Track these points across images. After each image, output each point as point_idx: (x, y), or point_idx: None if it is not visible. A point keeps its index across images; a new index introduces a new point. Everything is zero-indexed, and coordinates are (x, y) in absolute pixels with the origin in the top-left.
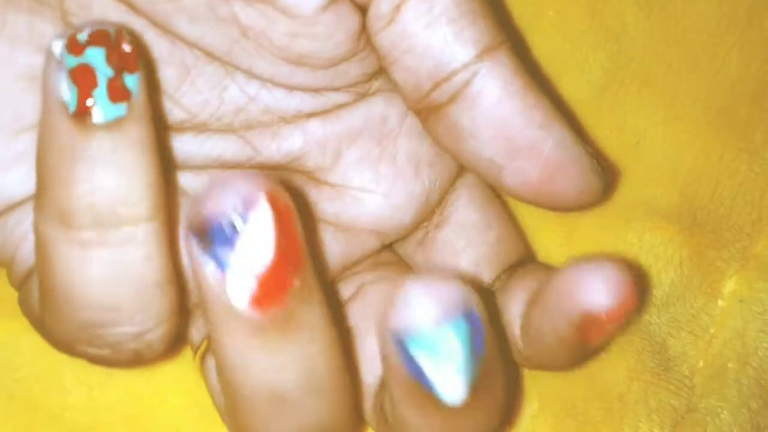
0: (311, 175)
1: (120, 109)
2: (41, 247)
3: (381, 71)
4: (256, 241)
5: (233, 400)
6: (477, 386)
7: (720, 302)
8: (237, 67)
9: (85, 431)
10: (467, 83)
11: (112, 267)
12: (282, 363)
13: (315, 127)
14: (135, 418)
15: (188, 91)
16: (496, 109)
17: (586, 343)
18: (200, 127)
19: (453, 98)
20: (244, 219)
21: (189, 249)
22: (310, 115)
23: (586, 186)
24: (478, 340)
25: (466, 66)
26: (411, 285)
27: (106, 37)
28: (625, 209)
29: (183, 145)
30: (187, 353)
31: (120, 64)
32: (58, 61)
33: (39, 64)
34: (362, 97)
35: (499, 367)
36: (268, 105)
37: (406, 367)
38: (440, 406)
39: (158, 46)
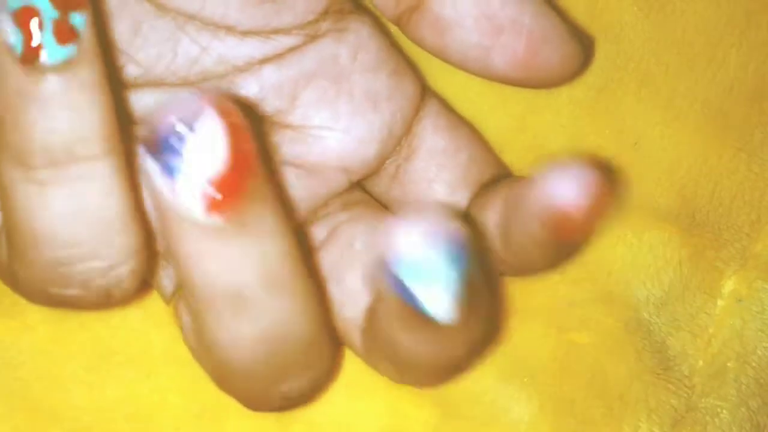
0: (271, 120)
1: (68, 50)
2: (3, 189)
3: (328, 12)
4: (205, 146)
5: (197, 311)
6: (465, 303)
7: (719, 302)
8: (188, 17)
9: (85, 430)
10: None
11: (71, 203)
12: (239, 263)
13: (269, 72)
14: (135, 417)
15: (142, 45)
16: None
17: (562, 243)
18: (156, 82)
19: None
20: (192, 127)
21: (144, 167)
22: (263, 61)
23: (569, 52)
24: (463, 260)
25: None
26: (398, 219)
27: None
28: (624, 209)
29: (141, 101)
30: (186, 354)
31: (65, 3)
32: (0, 3)
33: None
34: (312, 39)
35: (484, 283)
36: (220, 54)
37: (398, 295)
38: (432, 326)
39: (108, 0)
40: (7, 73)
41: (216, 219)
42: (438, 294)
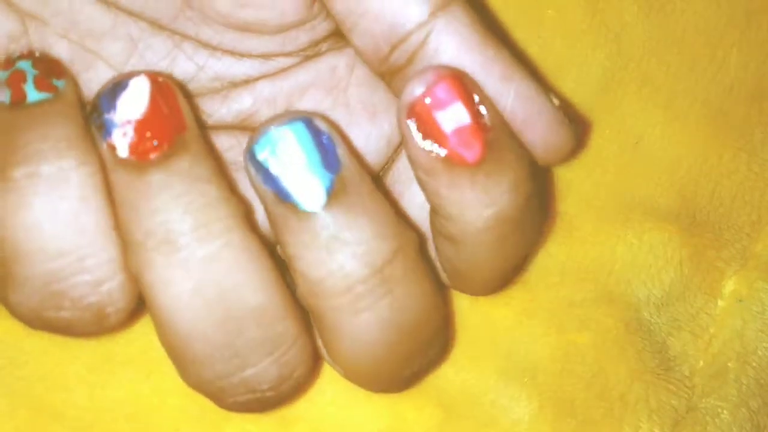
0: None
1: (47, 94)
2: None
3: (331, 35)
4: (133, 99)
5: (136, 266)
6: (338, 196)
7: (720, 302)
8: (184, 36)
9: (86, 430)
10: (423, 43)
11: (50, 209)
12: (166, 205)
13: (263, 86)
14: (136, 417)
15: (137, 64)
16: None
17: (443, 156)
18: None
19: (411, 59)
20: (124, 85)
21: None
22: (259, 78)
23: (554, 138)
24: (330, 151)
25: (420, 26)
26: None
27: (31, 53)
28: (624, 209)
29: None
30: None
31: (47, 69)
32: None
33: None
34: (311, 58)
35: (374, 195)
36: (217, 72)
37: (259, 176)
38: (300, 216)
39: (101, 20)
40: None
41: (143, 162)
42: (298, 176)
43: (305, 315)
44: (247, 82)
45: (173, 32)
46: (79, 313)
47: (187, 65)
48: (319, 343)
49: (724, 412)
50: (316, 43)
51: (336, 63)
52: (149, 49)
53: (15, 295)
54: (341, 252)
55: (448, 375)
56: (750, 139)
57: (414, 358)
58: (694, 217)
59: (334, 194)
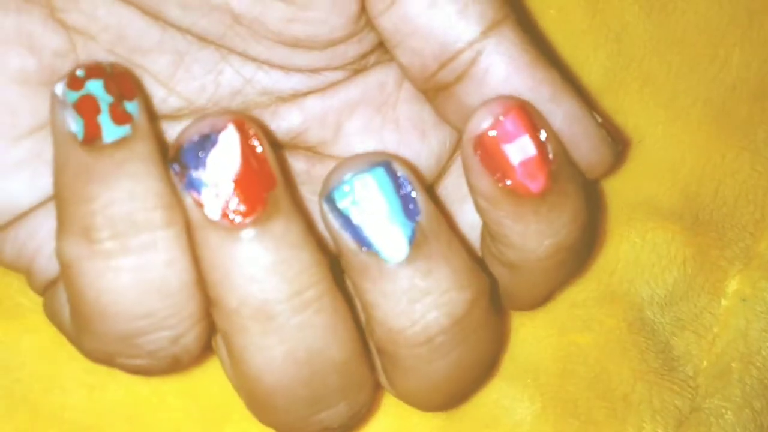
0: (315, 150)
1: (124, 129)
2: (68, 269)
3: (378, 46)
4: (224, 158)
5: (228, 332)
6: (419, 246)
7: (723, 301)
8: (231, 51)
9: (85, 431)
10: (473, 62)
11: (137, 274)
12: (262, 274)
13: (313, 102)
14: (135, 419)
15: (183, 77)
16: (504, 87)
17: (511, 193)
18: (198, 113)
19: (460, 78)
20: (213, 141)
21: (174, 184)
22: (308, 93)
23: (597, 158)
24: (410, 198)
25: (471, 44)
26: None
27: (102, 70)
28: (628, 208)
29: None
30: None
31: (119, 92)
32: (61, 101)
33: (31, 67)
34: (359, 72)
35: (450, 241)
36: (264, 87)
37: (342, 227)
38: (382, 266)
39: (149, 34)
40: (70, 158)
41: (237, 226)
42: (381, 227)
43: (370, 353)
44: (296, 97)
45: (221, 46)
46: (154, 362)
47: (234, 78)
48: (380, 370)
49: (728, 412)
50: (363, 56)
51: (384, 79)
52: (196, 62)
53: (90, 344)
54: (422, 303)
55: None
56: (753, 138)
57: (475, 387)
58: (697, 216)
59: (416, 244)
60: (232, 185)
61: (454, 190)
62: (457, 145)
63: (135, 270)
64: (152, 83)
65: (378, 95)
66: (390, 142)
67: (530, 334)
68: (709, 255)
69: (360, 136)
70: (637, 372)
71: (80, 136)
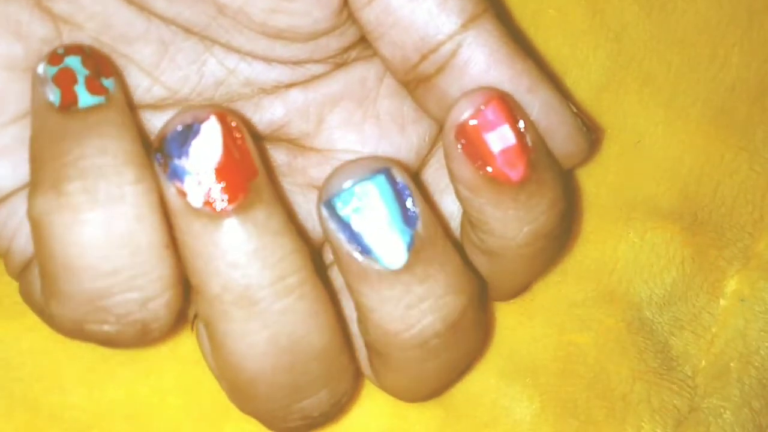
0: (296, 143)
1: (99, 98)
2: (37, 226)
3: (360, 41)
4: (206, 147)
5: (210, 318)
6: (418, 253)
7: (722, 301)
8: (215, 41)
9: (85, 430)
10: (454, 54)
11: (105, 227)
12: (245, 260)
13: (295, 95)
14: (135, 418)
15: (167, 67)
16: (484, 78)
17: (488, 175)
18: (182, 103)
19: (440, 69)
20: (196, 130)
21: (157, 176)
22: (290, 85)
23: (574, 147)
24: (409, 204)
25: (451, 36)
26: (338, 165)
27: (80, 48)
28: (626, 208)
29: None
30: (185, 354)
31: (96, 68)
32: (41, 77)
33: (18, 54)
34: (340, 65)
35: (445, 246)
36: (247, 77)
37: (341, 232)
38: (381, 273)
39: (134, 24)
40: (46, 124)
41: (219, 213)
42: (381, 232)
43: (351, 342)
44: (278, 89)
45: (204, 37)
46: (122, 328)
47: (217, 69)
48: (364, 362)
49: (727, 412)
50: (345, 49)
51: (365, 74)
52: (180, 52)
53: (58, 307)
54: (419, 308)
55: None
56: (752, 138)
57: (459, 378)
58: (696, 216)
59: (414, 251)
60: (215, 173)
61: (434, 181)
62: (436, 139)
63: (103, 223)
64: (137, 72)
65: (359, 90)
66: (370, 135)
67: (529, 333)
68: (707, 255)
69: (341, 130)
70: (636, 372)
71: (57, 103)
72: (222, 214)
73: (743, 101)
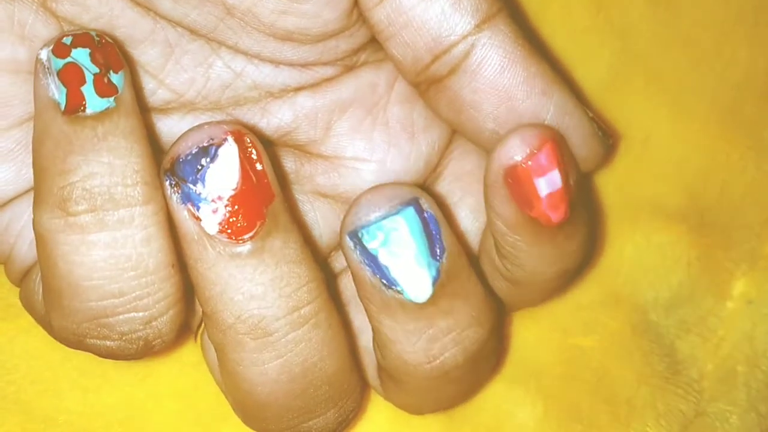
0: (304, 149)
1: (108, 102)
2: (42, 241)
3: (369, 43)
4: (223, 173)
5: (222, 344)
6: (443, 286)
7: (729, 304)
8: (222, 44)
9: None
10: (467, 55)
11: (112, 250)
12: (260, 291)
13: (303, 100)
14: (130, 422)
15: (173, 70)
16: (498, 80)
17: (535, 222)
18: (187, 107)
19: (453, 70)
20: (212, 154)
21: (166, 197)
22: (298, 89)
23: (588, 152)
24: (436, 238)
25: (464, 37)
26: (363, 192)
27: (89, 39)
28: (632, 208)
29: (170, 127)
30: (181, 358)
31: (105, 62)
32: (45, 67)
33: (22, 56)
34: (350, 69)
35: (470, 277)
36: (255, 81)
37: (366, 264)
38: (405, 306)
39: (140, 25)
40: (51, 127)
41: (236, 242)
42: (408, 266)
43: (359, 359)
44: (286, 92)
45: (212, 39)
46: (125, 344)
47: (224, 72)
48: (373, 375)
49: (733, 416)
50: (354, 51)
51: (375, 80)
52: (186, 54)
53: (60, 320)
54: (442, 341)
55: None
56: (759, 137)
57: (470, 398)
58: (703, 217)
59: (440, 285)
60: (231, 201)
61: (448, 194)
62: (446, 148)
63: (110, 245)
64: (142, 75)
65: (369, 96)
66: (379, 143)
67: (533, 336)
68: (714, 256)
69: (350, 137)
70: (641, 375)
71: (63, 105)
72: (238, 244)
73: (750, 100)
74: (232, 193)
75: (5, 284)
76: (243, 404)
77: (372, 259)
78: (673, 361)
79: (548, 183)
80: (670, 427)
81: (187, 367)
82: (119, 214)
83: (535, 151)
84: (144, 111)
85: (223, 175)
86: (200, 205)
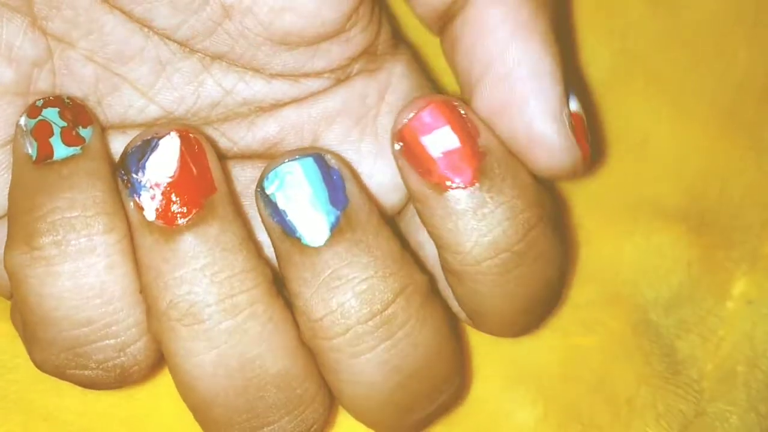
0: None
1: (74, 149)
2: (14, 278)
3: (362, 54)
4: (162, 161)
5: (159, 334)
6: (342, 233)
7: (729, 304)
8: (215, 56)
9: None
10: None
11: (77, 279)
12: (191, 276)
13: (290, 112)
14: (129, 422)
15: (163, 87)
16: (487, 18)
17: (428, 180)
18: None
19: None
20: (154, 145)
21: (118, 196)
22: (288, 103)
23: (543, 139)
24: (339, 188)
25: None
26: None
27: (60, 100)
28: (632, 208)
29: None
30: None
31: (74, 119)
32: (23, 130)
33: (9, 78)
34: (341, 81)
35: (379, 233)
36: (245, 98)
37: (268, 213)
38: (303, 251)
39: (131, 42)
40: (23, 176)
41: (170, 228)
42: (303, 210)
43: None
44: (275, 107)
45: (204, 53)
46: (103, 373)
47: (214, 90)
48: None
49: (733, 416)
50: (348, 60)
51: (366, 91)
52: (177, 72)
53: (40, 354)
54: (341, 290)
55: None
56: (759, 137)
57: (421, 403)
58: (703, 217)
59: (338, 230)
60: (169, 187)
61: None
62: None
63: (74, 275)
64: (131, 92)
65: (359, 107)
66: (367, 154)
67: (533, 336)
68: (714, 256)
69: (337, 148)
70: (641, 375)
71: (34, 156)
72: (174, 229)
73: (750, 100)
74: (169, 180)
75: None
76: (189, 404)
77: (273, 207)
78: (673, 361)
79: (439, 141)
80: (671, 427)
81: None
82: (80, 243)
83: (419, 112)
84: (134, 128)
85: (161, 163)
86: (142, 192)
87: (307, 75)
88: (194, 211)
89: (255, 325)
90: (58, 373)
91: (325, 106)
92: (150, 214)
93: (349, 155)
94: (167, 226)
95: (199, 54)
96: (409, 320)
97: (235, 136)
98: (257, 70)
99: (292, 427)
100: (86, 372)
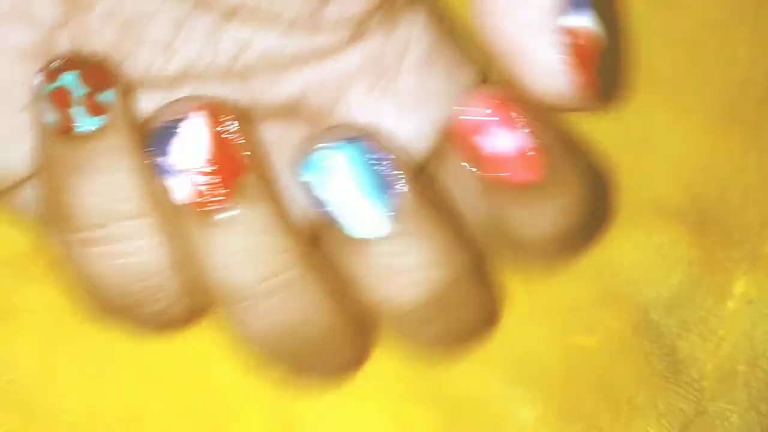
0: (313, 120)
1: (96, 121)
2: (58, 252)
3: (379, 7)
4: (191, 145)
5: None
6: (395, 224)
7: (729, 303)
8: (230, 11)
9: None
10: None
11: (118, 260)
12: (227, 260)
13: (312, 70)
14: (129, 421)
15: (182, 44)
16: None
17: (495, 179)
18: (197, 79)
19: None
20: (178, 127)
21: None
22: (307, 58)
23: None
24: (385, 174)
25: None
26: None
27: (78, 61)
28: (632, 208)
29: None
30: (181, 359)
31: (94, 82)
32: (38, 92)
33: (27, 41)
34: (359, 37)
35: (430, 217)
36: (263, 50)
37: (314, 200)
38: (357, 241)
39: (147, 2)
40: (47, 148)
41: (204, 212)
42: (351, 201)
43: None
44: (294, 62)
45: (219, 9)
46: (146, 325)
47: (232, 44)
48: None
49: (734, 415)
50: (364, 13)
51: (386, 49)
52: (194, 29)
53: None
54: (398, 279)
55: (452, 378)
56: (760, 137)
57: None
58: (703, 216)
59: (391, 221)
60: (200, 171)
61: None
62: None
63: (114, 256)
64: (150, 52)
65: (379, 65)
66: (388, 113)
67: (533, 336)
68: (714, 256)
69: (359, 105)
70: (642, 375)
71: (55, 125)
72: (206, 214)
73: (751, 99)
74: (201, 163)
75: (5, 284)
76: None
77: (317, 198)
78: (674, 360)
79: (498, 141)
80: (671, 427)
81: (186, 369)
82: (116, 228)
83: (482, 110)
84: (154, 87)
85: (191, 146)
86: (171, 175)
87: (322, 26)
88: (224, 195)
89: (294, 302)
90: (105, 317)
91: (346, 65)
92: (181, 198)
93: (371, 114)
94: (198, 211)
95: (215, 10)
96: (459, 301)
97: (258, 92)
98: (273, 20)
99: (335, 370)
100: (140, 318)
